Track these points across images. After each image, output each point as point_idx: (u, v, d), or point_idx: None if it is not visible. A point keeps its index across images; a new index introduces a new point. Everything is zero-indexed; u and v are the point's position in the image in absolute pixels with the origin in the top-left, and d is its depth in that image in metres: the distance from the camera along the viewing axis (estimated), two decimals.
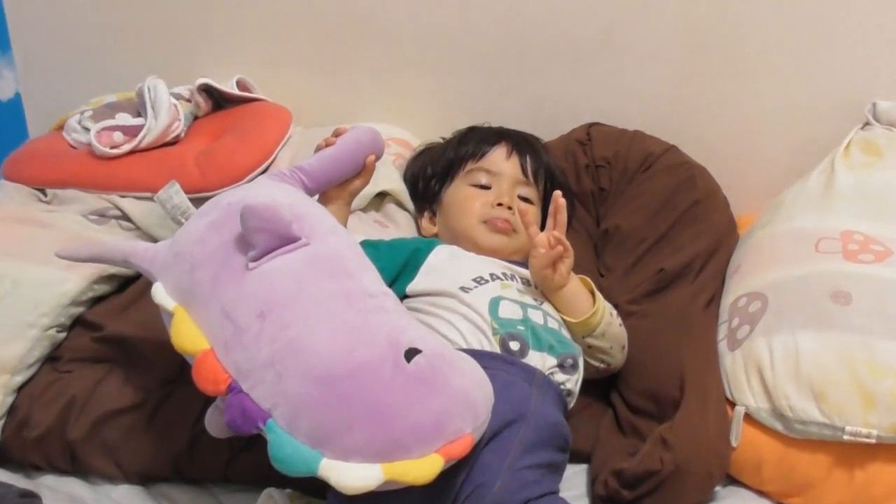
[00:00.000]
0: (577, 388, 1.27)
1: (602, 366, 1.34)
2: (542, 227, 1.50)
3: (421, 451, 0.93)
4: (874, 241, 1.35)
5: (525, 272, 1.36)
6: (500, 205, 1.42)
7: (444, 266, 1.33)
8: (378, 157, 1.26)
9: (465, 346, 1.19)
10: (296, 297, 0.96)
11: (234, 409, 0.94)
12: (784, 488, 1.25)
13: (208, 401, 1.10)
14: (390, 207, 1.54)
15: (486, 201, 1.43)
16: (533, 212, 1.47)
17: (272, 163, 1.60)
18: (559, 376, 1.23)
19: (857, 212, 1.41)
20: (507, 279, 1.31)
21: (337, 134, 1.26)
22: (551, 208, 1.30)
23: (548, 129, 1.70)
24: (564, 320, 1.30)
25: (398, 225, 1.52)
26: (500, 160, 1.49)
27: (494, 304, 1.25)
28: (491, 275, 1.31)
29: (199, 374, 0.96)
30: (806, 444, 1.21)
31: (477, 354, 1.14)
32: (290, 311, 0.96)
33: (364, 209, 1.52)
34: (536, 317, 1.26)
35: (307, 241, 1.01)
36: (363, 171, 1.25)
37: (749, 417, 1.25)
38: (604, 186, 1.64)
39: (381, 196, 1.54)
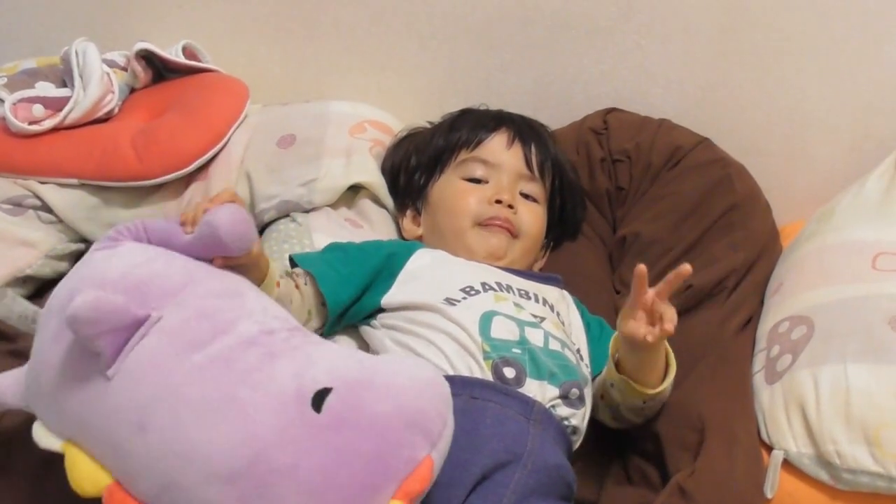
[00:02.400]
0: (583, 425, 1.28)
1: (628, 424, 1.35)
2: (547, 232, 1.53)
3: None
4: None
5: (524, 283, 1.37)
6: (498, 202, 1.44)
7: (427, 273, 1.34)
8: (229, 255, 1.10)
9: (451, 373, 1.20)
10: (165, 393, 0.95)
11: None
12: None
13: None
14: (364, 204, 1.55)
15: (481, 198, 1.45)
16: (539, 214, 1.48)
17: (223, 147, 1.61)
18: (562, 410, 1.24)
19: None
20: (501, 290, 1.32)
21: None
22: (634, 282, 1.23)
23: (556, 115, 1.72)
24: (622, 381, 1.27)
25: (373, 224, 1.53)
26: (500, 149, 1.51)
27: (486, 320, 1.26)
28: (483, 284, 1.32)
29: None
30: (855, 497, 1.22)
31: (466, 382, 1.18)
32: (164, 412, 0.95)
33: (334, 206, 1.53)
34: (536, 337, 1.27)
35: (158, 314, 0.99)
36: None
37: (788, 464, 1.26)
38: (622, 185, 1.66)
39: (355, 190, 1.56)
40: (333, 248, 1.35)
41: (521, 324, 1.28)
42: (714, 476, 1.22)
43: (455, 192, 1.47)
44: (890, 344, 1.27)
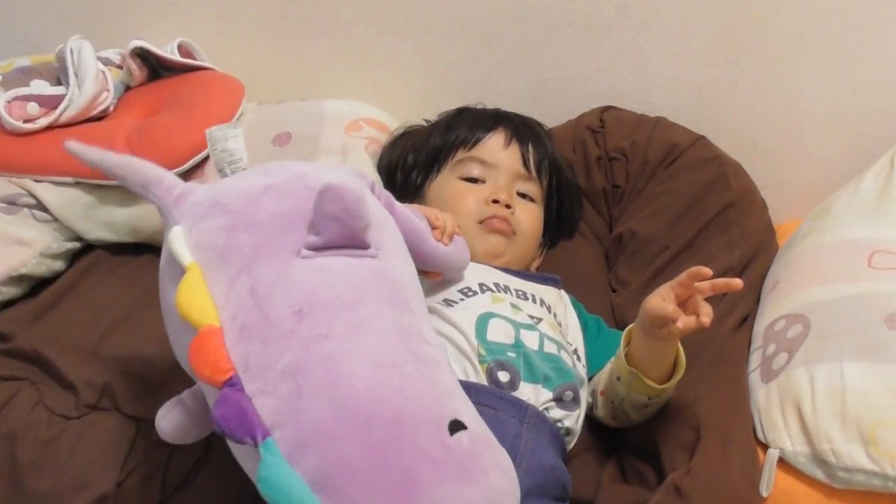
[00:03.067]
0: (578, 426, 1.29)
1: (627, 422, 1.35)
2: (544, 231, 1.53)
3: None
4: None
5: (522, 283, 1.37)
6: (496, 202, 1.44)
7: None
8: (446, 278, 1.29)
9: None
10: (347, 309, 0.95)
11: (231, 405, 0.90)
12: None
13: (140, 430, 1.11)
14: None
15: (479, 197, 1.45)
16: (536, 213, 1.49)
17: None
18: (556, 412, 1.25)
19: None
20: (499, 291, 1.33)
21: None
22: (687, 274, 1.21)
23: (552, 113, 1.73)
24: (630, 374, 1.27)
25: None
26: (497, 149, 1.51)
27: (483, 322, 1.27)
28: (481, 285, 1.32)
29: (198, 353, 0.93)
30: (851, 495, 1.22)
31: (462, 386, 1.15)
32: (337, 322, 0.94)
33: None
34: (531, 340, 1.28)
35: (375, 254, 1.00)
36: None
37: (784, 463, 1.26)
38: (618, 183, 1.66)
39: None
40: None
41: (517, 326, 1.28)
42: (709, 475, 1.22)
43: (453, 191, 1.47)
44: (886, 342, 1.27)
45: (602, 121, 1.70)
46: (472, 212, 1.43)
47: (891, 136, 1.62)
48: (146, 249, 1.59)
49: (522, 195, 1.49)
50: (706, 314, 1.19)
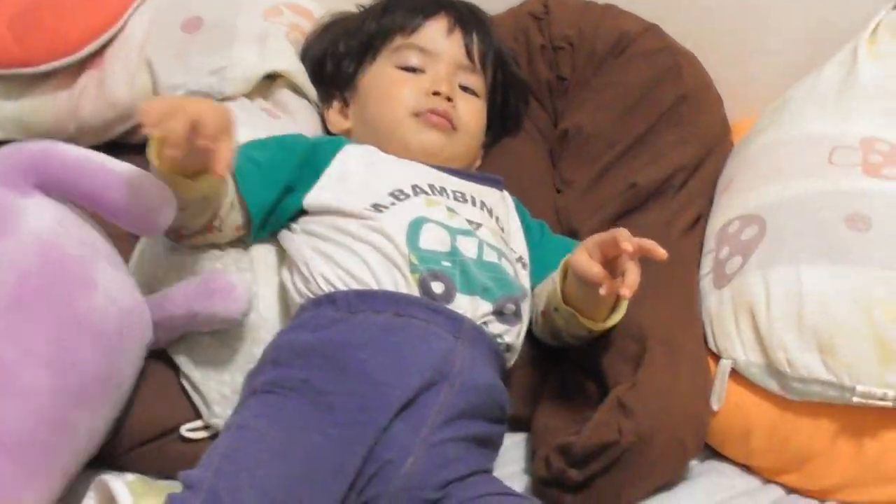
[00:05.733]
0: (519, 342, 1.23)
1: (569, 346, 1.30)
2: (486, 129, 1.46)
3: None
4: None
5: (460, 184, 1.30)
6: (436, 94, 1.35)
7: (353, 174, 1.27)
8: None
9: (375, 287, 1.15)
10: None
11: None
12: (776, 462, 1.24)
13: None
14: (282, 93, 1.45)
15: (418, 88, 1.36)
16: (479, 108, 1.42)
17: (120, 30, 1.49)
18: (495, 326, 1.19)
19: (882, 115, 1.38)
20: (434, 193, 1.26)
21: None
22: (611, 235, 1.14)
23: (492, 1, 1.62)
24: (567, 312, 1.21)
25: (293, 115, 1.44)
26: (439, 36, 1.41)
27: (415, 228, 1.20)
28: (414, 187, 1.25)
29: None
30: (806, 407, 1.21)
31: (390, 298, 1.14)
32: None
33: (249, 95, 1.43)
34: (469, 248, 1.21)
35: None
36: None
37: (736, 374, 1.24)
38: (564, 75, 1.58)
39: (271, 79, 1.46)
40: (251, 147, 1.26)
41: (454, 232, 1.22)
42: (656, 388, 1.18)
43: (388, 81, 1.39)
44: (846, 244, 1.24)
45: (546, 7, 1.62)
46: (409, 103, 1.35)
47: (853, 26, 1.54)
48: None
49: (465, 88, 1.41)
50: (629, 285, 1.11)
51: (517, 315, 1.21)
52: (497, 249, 1.24)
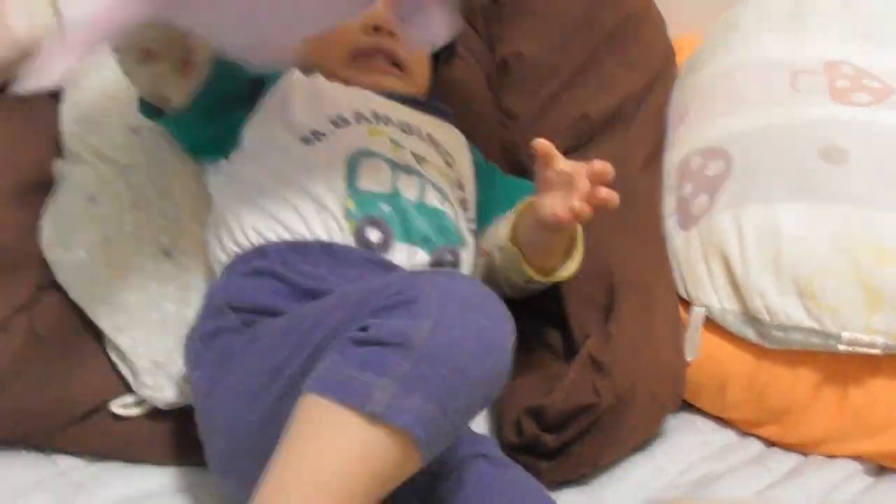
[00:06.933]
0: None
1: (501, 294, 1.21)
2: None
3: None
4: (868, 75, 1.30)
5: (409, 113, 1.20)
6: (377, 29, 1.22)
7: (294, 101, 1.15)
8: None
9: (308, 237, 1.07)
10: None
11: None
12: (755, 415, 1.21)
13: None
14: None
15: (353, 25, 1.23)
16: None
17: None
18: None
19: (843, 34, 1.36)
20: (378, 122, 1.16)
21: None
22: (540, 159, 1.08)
23: None
24: (512, 253, 1.14)
25: None
26: None
27: (353, 165, 1.11)
28: (356, 115, 1.15)
29: None
30: (786, 356, 1.17)
31: (326, 250, 1.07)
32: None
33: None
34: (410, 188, 1.13)
35: None
36: None
37: (711, 322, 1.20)
38: None
39: None
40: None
41: (396, 169, 1.13)
42: (631, 342, 1.15)
43: None
44: (823, 178, 1.21)
45: None
46: (348, 42, 1.22)
47: None
48: None
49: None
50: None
51: (455, 265, 1.14)
52: (440, 191, 1.16)
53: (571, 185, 1.04)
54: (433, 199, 1.14)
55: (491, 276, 1.20)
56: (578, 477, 1.11)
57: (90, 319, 1.14)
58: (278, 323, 0.98)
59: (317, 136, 1.13)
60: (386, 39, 1.22)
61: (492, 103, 1.42)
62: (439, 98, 1.36)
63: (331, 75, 1.22)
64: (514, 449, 1.11)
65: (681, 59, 1.50)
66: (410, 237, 1.11)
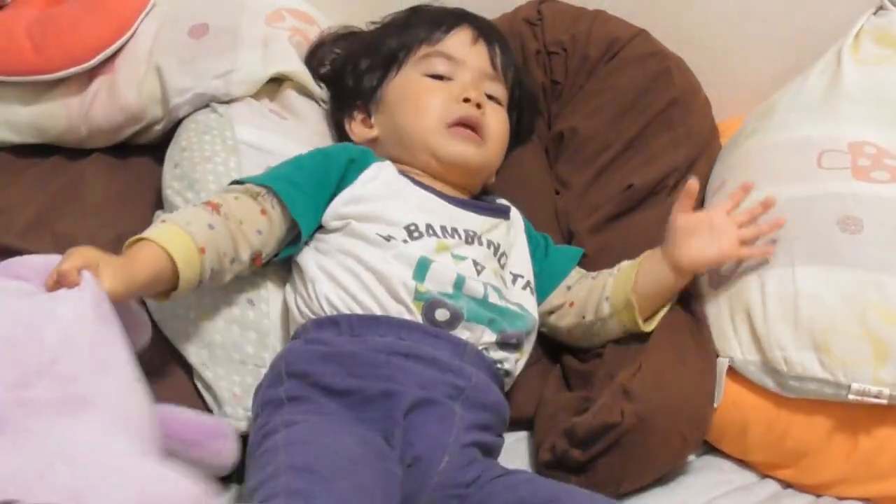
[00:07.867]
0: (517, 369, 1.25)
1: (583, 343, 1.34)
2: (511, 139, 1.44)
3: None
4: (889, 155, 1.33)
5: (472, 221, 1.29)
6: (466, 100, 1.34)
7: (376, 196, 1.26)
8: None
9: (379, 312, 1.16)
10: None
11: None
12: (773, 458, 1.26)
13: None
14: (289, 95, 1.46)
15: (448, 94, 1.34)
16: (504, 118, 1.41)
17: (130, 38, 1.50)
18: (496, 353, 1.21)
19: (868, 118, 1.39)
20: (446, 236, 1.24)
21: None
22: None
23: (487, 5, 1.62)
24: (626, 304, 1.26)
25: (300, 116, 1.45)
26: (464, 45, 1.40)
27: (423, 268, 1.20)
28: (428, 227, 1.24)
29: None
30: (802, 404, 1.22)
31: (394, 323, 1.16)
32: None
33: (256, 96, 1.44)
34: (474, 290, 1.21)
35: None
36: None
37: (733, 372, 1.25)
38: (557, 79, 1.60)
39: (277, 81, 1.47)
40: (289, 163, 1.26)
41: (460, 279, 1.21)
42: (661, 378, 1.21)
43: (418, 89, 1.36)
44: (839, 245, 1.24)
45: (540, 13, 1.63)
46: (440, 111, 1.33)
47: (836, 31, 1.55)
48: (54, 151, 1.52)
49: (490, 97, 1.39)
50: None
51: (517, 347, 1.23)
52: (498, 291, 1.23)
53: (714, 228, 1.23)
54: (494, 298, 1.22)
55: (582, 328, 1.31)
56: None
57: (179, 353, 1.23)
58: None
59: (389, 239, 1.21)
60: (473, 109, 1.33)
61: (548, 173, 1.52)
62: (505, 168, 1.45)
63: (421, 143, 1.32)
64: (548, 466, 1.20)
65: (724, 140, 1.55)
66: (478, 319, 1.19)
